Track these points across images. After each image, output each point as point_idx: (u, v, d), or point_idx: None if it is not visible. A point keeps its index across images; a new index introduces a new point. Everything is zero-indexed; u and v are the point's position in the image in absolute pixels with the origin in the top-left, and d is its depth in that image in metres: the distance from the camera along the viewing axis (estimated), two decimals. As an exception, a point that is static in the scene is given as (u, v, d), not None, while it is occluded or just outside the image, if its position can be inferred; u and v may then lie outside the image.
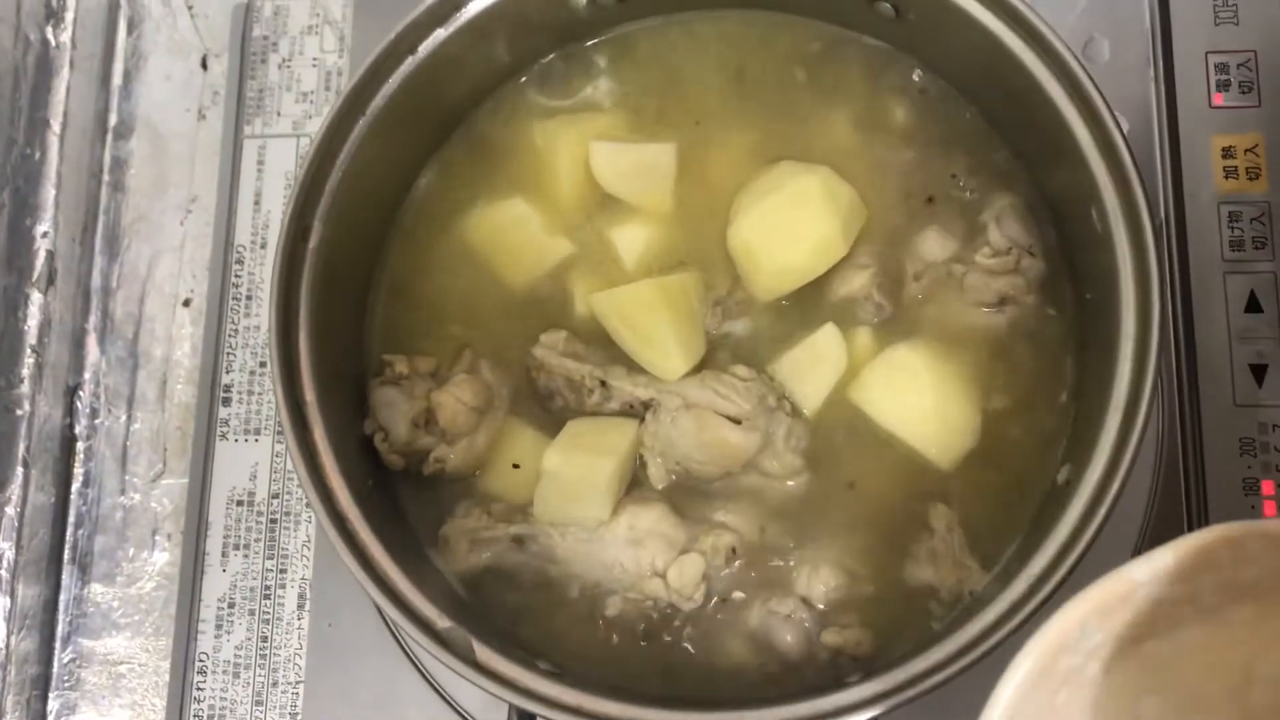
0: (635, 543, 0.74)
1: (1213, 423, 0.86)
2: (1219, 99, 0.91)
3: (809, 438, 0.76)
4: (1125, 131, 0.70)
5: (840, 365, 0.77)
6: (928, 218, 0.80)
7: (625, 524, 0.74)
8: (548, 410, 0.79)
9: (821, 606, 0.73)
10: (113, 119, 1.02)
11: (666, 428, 0.75)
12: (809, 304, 0.80)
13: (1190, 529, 0.84)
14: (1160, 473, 0.85)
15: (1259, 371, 0.86)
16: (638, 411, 0.77)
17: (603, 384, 0.77)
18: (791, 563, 0.75)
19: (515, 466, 0.79)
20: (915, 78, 0.83)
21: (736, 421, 0.74)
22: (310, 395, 0.73)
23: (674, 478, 0.77)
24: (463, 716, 0.85)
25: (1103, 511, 0.67)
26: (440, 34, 0.77)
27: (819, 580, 0.74)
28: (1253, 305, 0.87)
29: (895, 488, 0.76)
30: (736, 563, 0.75)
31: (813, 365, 0.78)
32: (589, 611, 0.76)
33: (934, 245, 0.79)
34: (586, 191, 0.84)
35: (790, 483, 0.76)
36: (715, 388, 0.75)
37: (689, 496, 0.77)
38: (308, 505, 0.89)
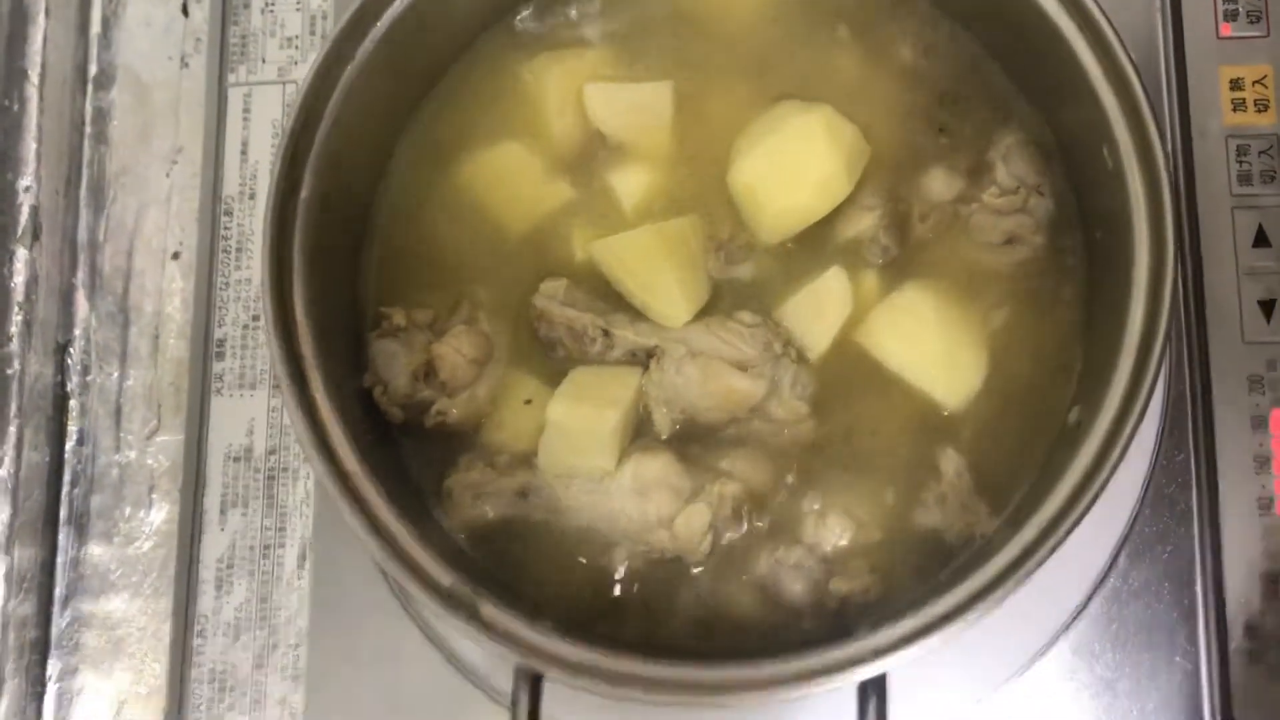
0: (640, 493, 0.73)
1: (1221, 360, 0.85)
2: (1226, 29, 0.89)
3: (815, 384, 0.75)
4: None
5: (846, 308, 0.76)
6: (934, 157, 0.78)
7: (630, 474, 0.73)
8: (550, 359, 0.78)
9: (829, 554, 0.72)
10: (93, 68, 0.99)
11: (671, 376, 0.74)
12: (814, 246, 0.78)
13: (1197, 468, 0.83)
14: (1168, 410, 0.84)
15: (1267, 307, 0.85)
16: (641, 360, 0.76)
17: (605, 333, 0.76)
18: (798, 510, 0.74)
19: (527, 402, 0.77)
20: (922, 13, 0.80)
21: (742, 368, 0.73)
22: (307, 350, 0.72)
23: (679, 427, 0.75)
24: (466, 674, 0.84)
25: (1115, 455, 0.65)
26: (428, -27, 0.75)
27: (826, 528, 0.73)
28: (1261, 240, 0.86)
29: (903, 432, 0.75)
30: (744, 511, 0.74)
31: (819, 309, 0.76)
32: (594, 562, 0.75)
33: (940, 185, 0.77)
34: (581, 133, 0.82)
35: (799, 429, 0.74)
36: (720, 334, 0.73)
37: (694, 444, 0.76)
38: (306, 461, 0.88)
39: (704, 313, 0.76)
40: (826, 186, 0.75)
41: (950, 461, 0.73)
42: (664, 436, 0.76)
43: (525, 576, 0.75)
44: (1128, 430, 0.65)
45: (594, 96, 0.80)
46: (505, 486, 0.75)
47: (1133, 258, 0.68)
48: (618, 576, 0.75)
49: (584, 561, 0.75)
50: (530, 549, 0.76)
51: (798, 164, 0.75)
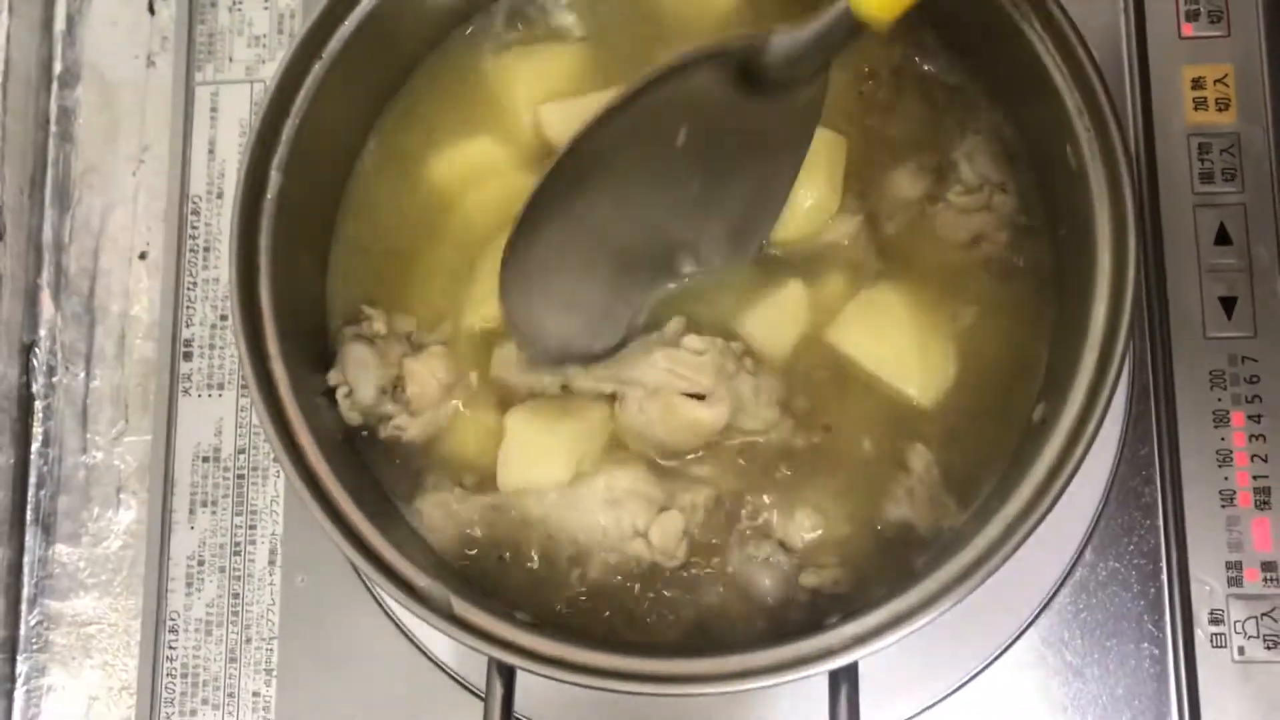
0: (614, 503, 0.73)
1: (1183, 356, 0.86)
2: (1188, 29, 0.90)
3: (782, 387, 0.75)
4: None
5: (804, 316, 0.77)
6: (898, 158, 0.79)
7: (603, 484, 0.73)
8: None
9: (799, 548, 0.73)
10: (57, 67, 0.99)
11: (635, 417, 0.74)
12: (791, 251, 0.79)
13: (1161, 462, 0.85)
14: (1132, 406, 0.86)
15: (1228, 304, 0.86)
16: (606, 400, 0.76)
17: (564, 388, 0.76)
18: (767, 508, 0.75)
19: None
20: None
21: (700, 398, 0.73)
22: (274, 349, 0.71)
23: (658, 457, 0.75)
24: (440, 668, 0.84)
25: (1079, 450, 0.66)
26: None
27: (794, 523, 0.73)
28: (1222, 238, 0.87)
29: (873, 429, 0.75)
30: (717, 516, 0.75)
31: (780, 317, 0.77)
32: (569, 572, 0.75)
33: (906, 184, 0.78)
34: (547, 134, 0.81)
35: (771, 435, 0.75)
36: (672, 369, 0.73)
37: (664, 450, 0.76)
38: (275, 460, 0.88)
39: (653, 334, 0.76)
40: (821, 208, 0.77)
41: (919, 457, 0.74)
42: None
43: (500, 581, 0.75)
44: (1091, 427, 0.66)
45: (550, 116, 0.80)
46: (476, 504, 0.75)
47: (1095, 256, 0.68)
48: (592, 582, 0.74)
49: (558, 570, 0.75)
50: (503, 558, 0.76)
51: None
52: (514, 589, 0.74)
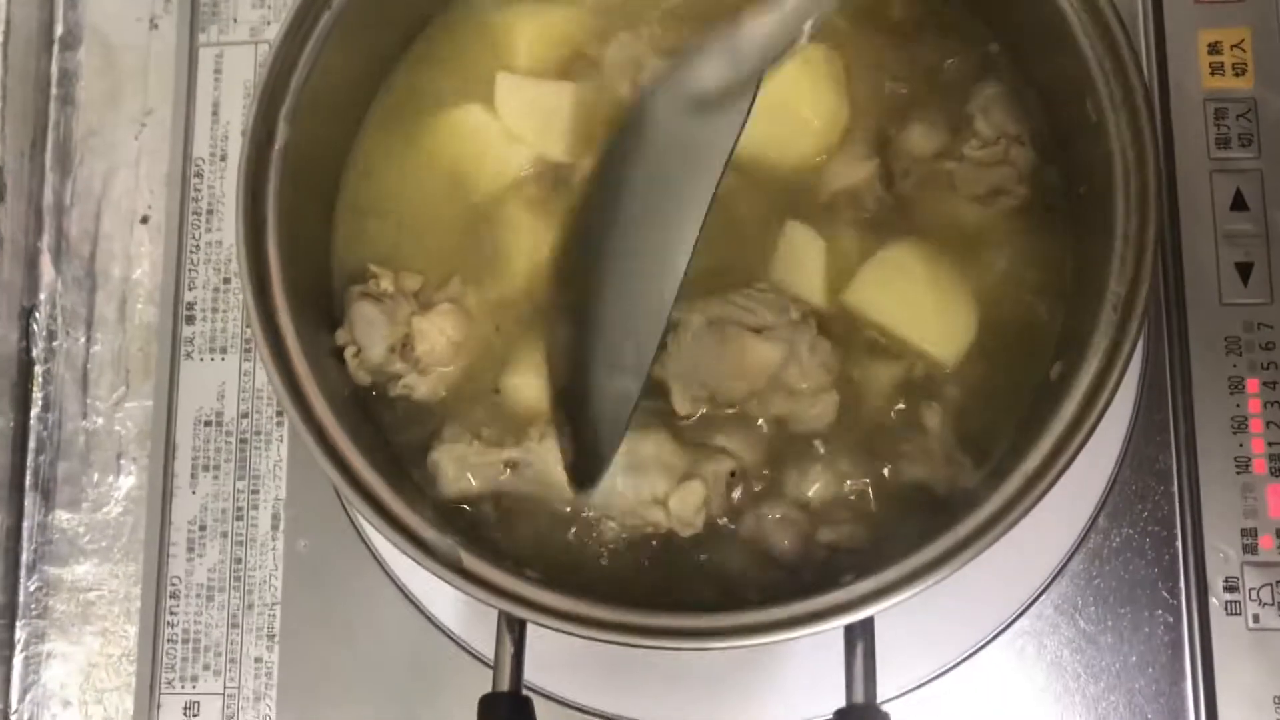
0: (635, 469, 0.72)
1: (1198, 322, 0.85)
2: (1204, -7, 0.89)
3: (837, 356, 0.73)
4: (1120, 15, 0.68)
5: (820, 262, 0.75)
6: (913, 111, 0.78)
7: (625, 449, 0.71)
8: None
9: (814, 506, 0.72)
10: (59, 29, 0.98)
11: (688, 347, 0.72)
12: (802, 201, 0.77)
13: (1176, 428, 0.84)
14: (1147, 372, 0.85)
15: (1244, 270, 0.85)
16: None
17: None
18: (784, 467, 0.73)
19: (495, 392, 0.76)
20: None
21: (759, 332, 0.71)
22: (282, 304, 0.70)
23: (702, 406, 0.74)
24: (444, 633, 0.83)
25: (1097, 409, 0.65)
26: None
27: (808, 482, 0.72)
28: (1238, 203, 0.86)
29: (888, 388, 0.74)
30: (738, 488, 0.73)
31: (800, 269, 0.76)
32: (584, 534, 0.74)
33: (921, 139, 0.76)
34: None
35: (816, 409, 0.73)
36: (736, 301, 0.72)
37: (700, 423, 0.74)
38: (281, 416, 0.87)
39: (711, 287, 0.74)
40: (832, 122, 0.76)
41: (935, 415, 0.73)
42: (685, 414, 0.74)
43: (510, 544, 0.74)
44: (1109, 386, 0.65)
45: (505, 91, 0.79)
46: (493, 459, 0.74)
47: (1115, 211, 0.67)
48: (608, 545, 0.73)
49: (574, 532, 0.74)
50: (518, 518, 0.75)
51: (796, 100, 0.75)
52: (526, 548, 0.73)
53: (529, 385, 0.75)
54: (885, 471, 0.73)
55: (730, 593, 0.71)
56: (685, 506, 0.71)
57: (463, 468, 0.74)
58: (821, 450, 0.73)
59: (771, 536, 0.71)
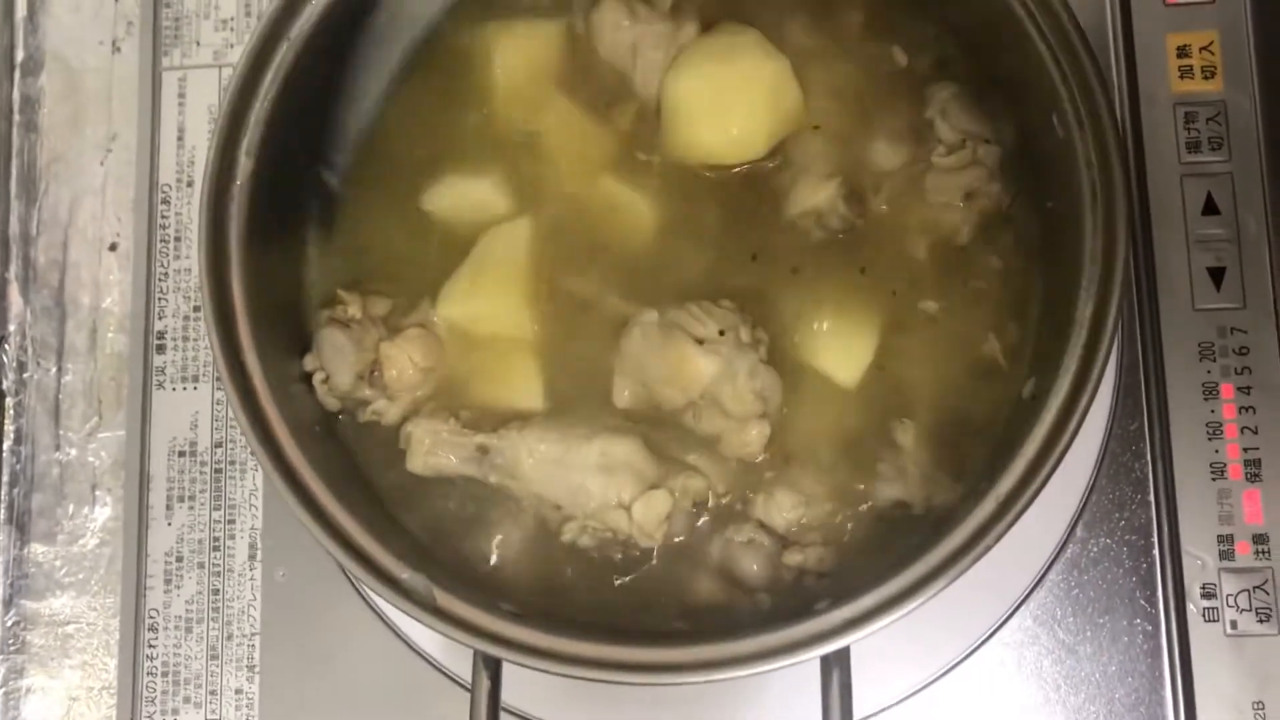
0: (605, 470, 0.72)
1: (1171, 327, 0.85)
2: (1172, -4, 0.89)
3: (779, 394, 0.73)
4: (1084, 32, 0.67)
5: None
6: (872, 129, 0.77)
7: (599, 449, 0.72)
8: None
9: (780, 529, 0.72)
10: (19, 54, 0.96)
11: (637, 343, 0.73)
12: (764, 225, 0.77)
13: (1151, 435, 0.84)
14: (1121, 379, 0.85)
15: (1217, 275, 0.85)
16: None
17: None
18: (748, 490, 0.73)
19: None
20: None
21: (699, 343, 0.72)
22: (247, 338, 0.70)
23: (635, 401, 0.74)
24: (425, 660, 0.83)
25: (1070, 427, 0.65)
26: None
27: (774, 504, 0.72)
28: (1210, 208, 0.86)
29: (858, 408, 0.74)
30: (705, 510, 0.74)
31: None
32: (545, 535, 0.74)
33: (885, 155, 0.76)
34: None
35: (743, 437, 0.73)
36: (692, 309, 0.73)
37: (662, 432, 0.75)
38: (252, 454, 0.86)
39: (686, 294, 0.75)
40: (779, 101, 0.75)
41: (908, 432, 0.72)
42: (619, 405, 0.75)
43: (474, 547, 0.74)
44: (1082, 404, 0.65)
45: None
46: (467, 440, 0.74)
47: (1084, 227, 0.67)
48: (568, 551, 0.74)
49: (535, 530, 0.74)
50: (481, 510, 0.75)
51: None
52: (484, 547, 0.74)
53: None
54: (855, 490, 0.73)
55: (700, 619, 0.71)
56: (648, 515, 0.72)
57: (435, 442, 0.74)
58: (789, 471, 0.73)
59: (738, 560, 0.71)
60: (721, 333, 0.72)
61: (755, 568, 0.71)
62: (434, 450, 0.74)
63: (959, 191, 0.75)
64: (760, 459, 0.74)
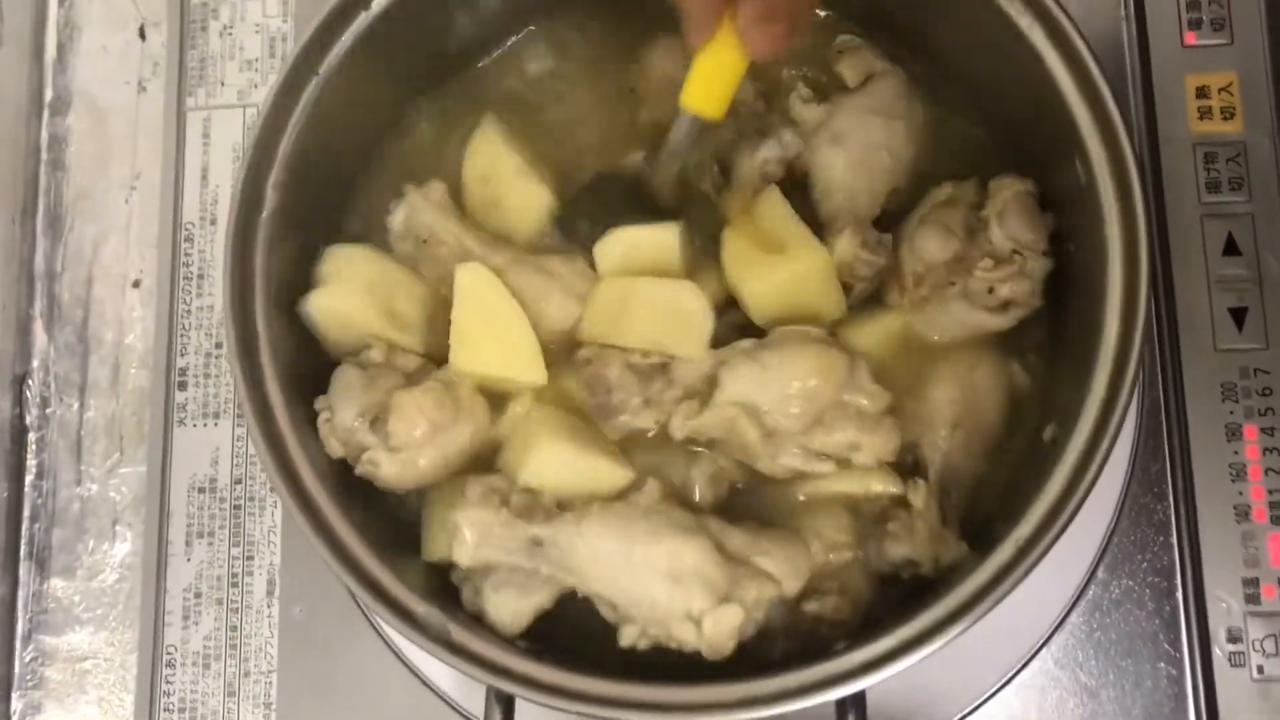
0: (673, 578, 0.66)
1: (1194, 369, 0.84)
2: (1191, 38, 0.89)
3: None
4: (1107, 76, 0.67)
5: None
6: (925, 214, 0.76)
7: (665, 552, 0.66)
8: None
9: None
10: (48, 94, 0.98)
11: (744, 376, 0.70)
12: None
13: (1174, 477, 0.83)
14: (1142, 421, 0.84)
15: (1239, 315, 0.85)
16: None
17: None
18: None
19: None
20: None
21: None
22: (270, 372, 0.70)
23: (734, 484, 0.73)
24: (440, 698, 0.83)
25: (1092, 471, 0.65)
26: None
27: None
28: (1231, 248, 0.86)
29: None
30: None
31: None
32: (598, 629, 0.69)
33: (934, 245, 0.73)
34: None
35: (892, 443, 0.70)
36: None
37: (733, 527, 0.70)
38: (273, 490, 0.86)
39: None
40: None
41: (920, 494, 0.71)
42: (704, 501, 0.72)
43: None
44: (1104, 447, 0.65)
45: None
46: (520, 533, 0.68)
47: (1106, 271, 0.67)
48: (624, 649, 0.69)
49: (588, 624, 0.70)
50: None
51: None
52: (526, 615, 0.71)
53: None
54: (870, 544, 0.72)
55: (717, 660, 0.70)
56: (719, 631, 0.65)
57: (485, 536, 0.68)
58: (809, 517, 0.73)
59: None
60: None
61: (772, 611, 0.70)
62: (482, 546, 0.68)
63: (998, 300, 0.73)
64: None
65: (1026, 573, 0.63)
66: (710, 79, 0.68)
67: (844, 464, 0.71)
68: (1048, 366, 0.75)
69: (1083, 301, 0.69)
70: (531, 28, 0.83)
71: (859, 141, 0.76)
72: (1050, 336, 0.75)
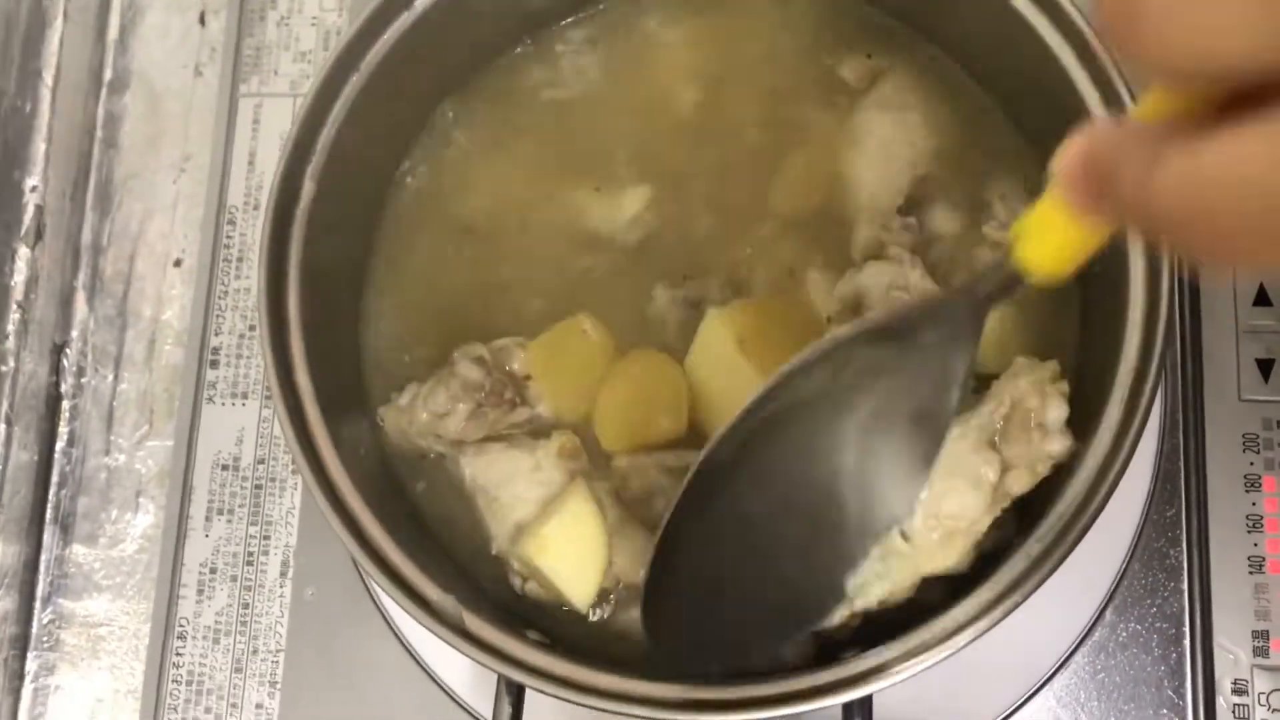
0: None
1: (1216, 417, 0.84)
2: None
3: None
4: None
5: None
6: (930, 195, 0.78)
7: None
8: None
9: None
10: (108, 74, 1.00)
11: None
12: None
13: (1188, 523, 0.83)
14: (1160, 464, 0.84)
15: (1265, 366, 0.85)
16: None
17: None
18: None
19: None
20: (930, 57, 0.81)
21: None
22: (300, 358, 0.71)
23: None
24: (446, 692, 0.83)
25: (1106, 487, 0.64)
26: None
27: None
28: (1261, 299, 0.86)
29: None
30: None
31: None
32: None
33: (942, 218, 0.77)
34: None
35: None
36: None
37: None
38: (294, 471, 0.88)
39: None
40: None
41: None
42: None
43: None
44: (1118, 464, 0.64)
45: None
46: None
47: (1128, 287, 0.67)
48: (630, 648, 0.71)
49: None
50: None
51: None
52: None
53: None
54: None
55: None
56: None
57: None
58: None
59: None
60: None
61: None
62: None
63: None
64: None
65: (1038, 585, 0.62)
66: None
67: None
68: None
69: (1104, 320, 0.69)
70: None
71: (875, 139, 0.77)
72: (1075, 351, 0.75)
